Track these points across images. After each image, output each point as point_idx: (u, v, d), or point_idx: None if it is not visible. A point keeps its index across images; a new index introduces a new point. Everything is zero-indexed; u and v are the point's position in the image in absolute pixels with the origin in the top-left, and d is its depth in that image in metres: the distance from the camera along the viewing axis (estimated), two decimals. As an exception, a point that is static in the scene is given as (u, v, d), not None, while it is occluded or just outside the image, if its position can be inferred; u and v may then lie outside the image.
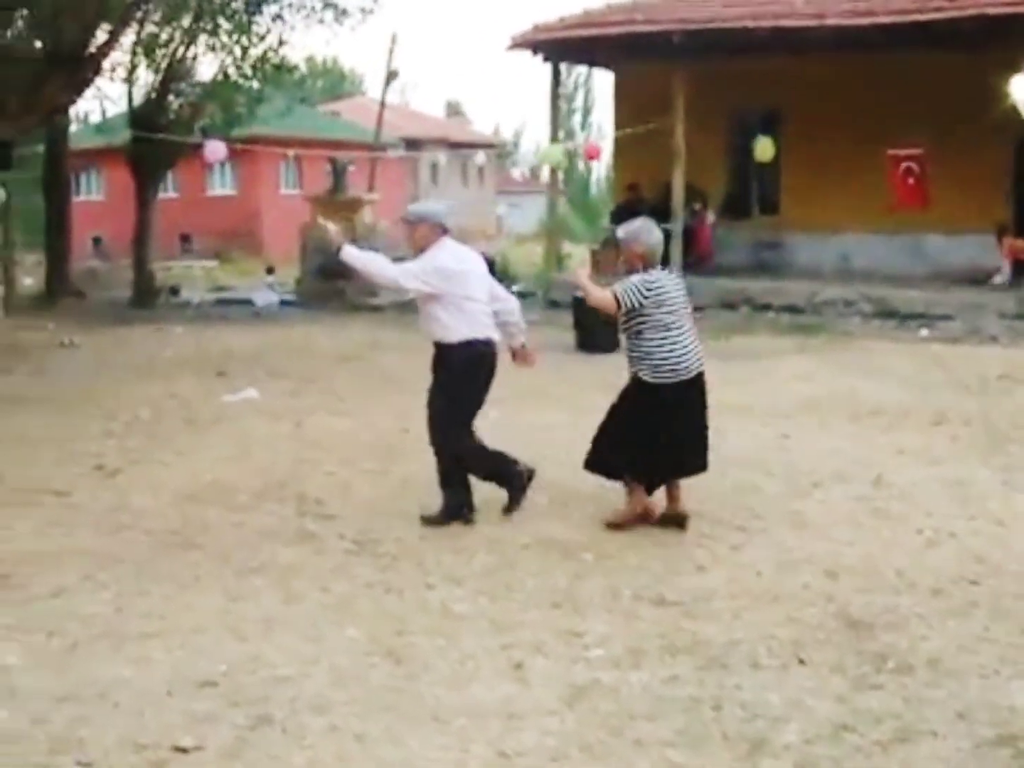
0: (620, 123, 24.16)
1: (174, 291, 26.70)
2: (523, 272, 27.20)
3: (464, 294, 7.83)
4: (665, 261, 20.51)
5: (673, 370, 7.68)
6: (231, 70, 27.45)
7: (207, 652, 5.83)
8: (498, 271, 25.36)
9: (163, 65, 26.80)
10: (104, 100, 29.10)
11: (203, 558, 7.30)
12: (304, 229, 24.96)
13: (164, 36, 26.21)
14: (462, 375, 7.94)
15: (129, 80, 27.26)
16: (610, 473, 8.08)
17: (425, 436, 8.08)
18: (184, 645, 5.93)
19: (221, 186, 46.00)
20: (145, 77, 27.19)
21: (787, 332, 17.73)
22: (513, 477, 8.23)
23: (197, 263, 37.77)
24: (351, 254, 7.77)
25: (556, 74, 23.43)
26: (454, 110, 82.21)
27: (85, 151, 35.17)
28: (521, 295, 24.66)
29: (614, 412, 7.99)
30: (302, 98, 45.35)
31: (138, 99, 27.05)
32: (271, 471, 9.45)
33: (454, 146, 59.74)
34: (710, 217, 22.74)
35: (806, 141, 21.51)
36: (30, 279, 29.91)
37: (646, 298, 7.63)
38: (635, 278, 7.72)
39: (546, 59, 23.03)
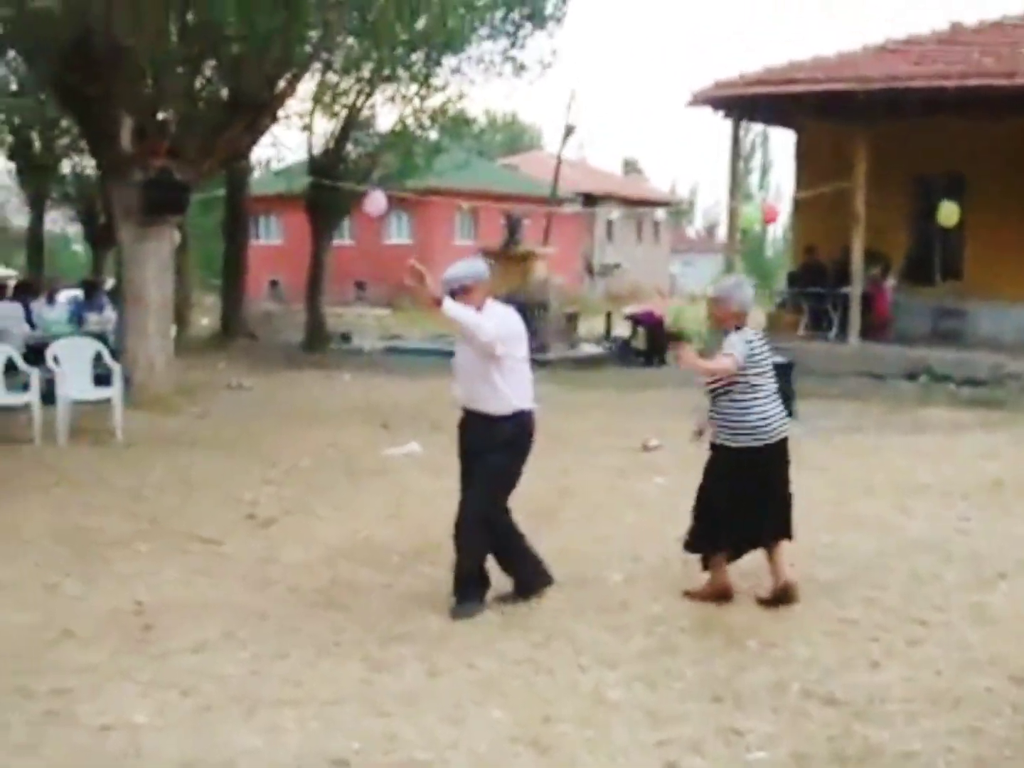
0: (801, 183, 23.63)
1: (345, 337, 26.89)
2: (695, 331, 26.66)
3: (521, 356, 7.35)
4: (843, 326, 20.29)
5: (752, 434, 7.30)
6: (409, 121, 27.63)
7: (342, 726, 5.51)
8: (668, 329, 25.05)
9: (342, 114, 27.10)
10: (282, 147, 29.50)
11: (348, 621, 7.00)
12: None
13: (344, 86, 26.49)
14: (516, 450, 7.44)
15: (308, 128, 27.65)
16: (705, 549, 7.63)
17: (587, 500, 7.69)
18: (319, 716, 5.61)
19: (397, 235, 46.50)
20: (324, 126, 27.58)
21: (968, 405, 16.88)
22: (531, 573, 7.63)
23: (370, 311, 38.06)
24: (450, 307, 6.96)
25: (736, 131, 22.99)
26: (631, 167, 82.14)
27: (265, 197, 35.78)
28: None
29: (703, 488, 7.57)
30: (479, 151, 45.63)
31: (317, 147, 27.40)
32: (428, 530, 9.14)
33: (630, 203, 59.44)
34: (890, 282, 21.99)
35: (992, 206, 20.61)
36: (206, 319, 30.44)
37: (747, 358, 7.24)
38: (735, 337, 7.26)
39: (726, 116, 22.63)
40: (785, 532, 7.55)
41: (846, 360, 19.64)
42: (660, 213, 60.41)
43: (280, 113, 17.46)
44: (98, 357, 13.71)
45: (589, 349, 25.38)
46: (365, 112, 27.56)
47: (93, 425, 13.39)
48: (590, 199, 55.44)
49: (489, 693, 5.97)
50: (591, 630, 6.95)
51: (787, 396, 15.77)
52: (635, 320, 25.40)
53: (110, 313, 17.31)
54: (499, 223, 46.62)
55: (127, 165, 14.40)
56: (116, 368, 13.41)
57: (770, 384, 7.43)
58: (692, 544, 7.64)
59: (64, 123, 29.29)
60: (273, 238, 48.21)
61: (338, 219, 28.50)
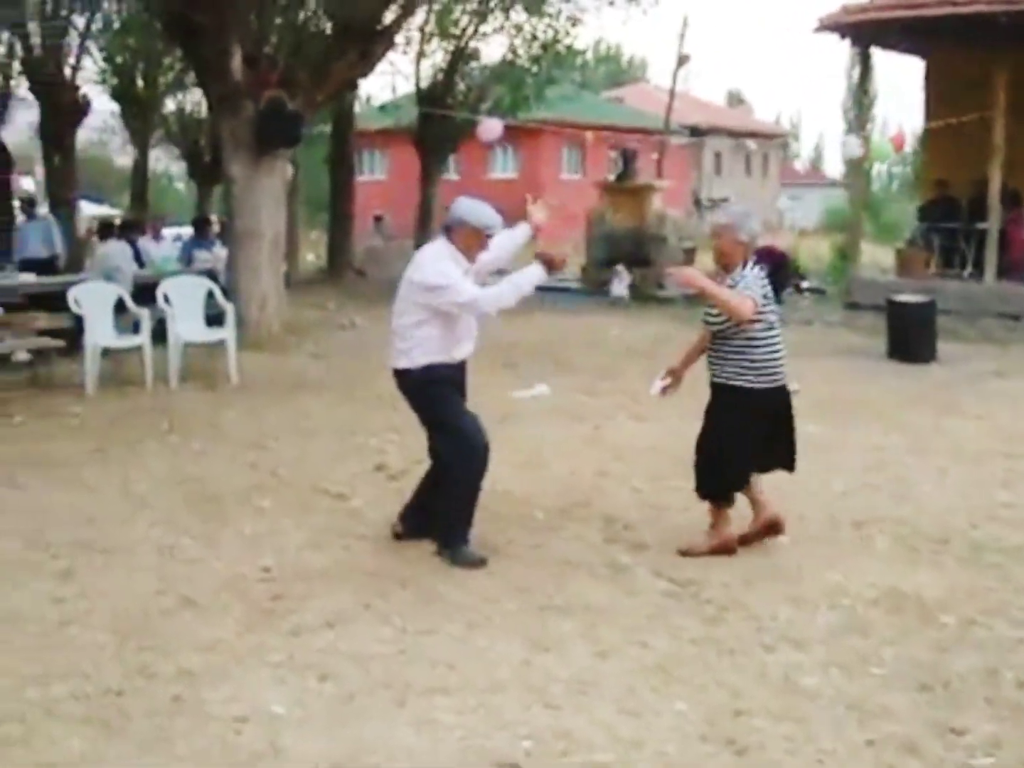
0: (930, 113, 22.37)
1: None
2: (811, 268, 25.61)
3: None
4: (977, 263, 19.15)
5: (774, 375, 6.82)
6: (520, 52, 26.82)
7: (507, 720, 4.79)
8: (790, 268, 24.02)
9: (451, 46, 26.37)
10: (398, 75, 28.84)
11: (498, 589, 6.27)
12: (591, 214, 23.96)
13: (454, 15, 25.72)
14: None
15: (417, 60, 26.97)
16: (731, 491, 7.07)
17: None
18: (479, 707, 4.89)
19: (503, 169, 45.69)
20: (432, 58, 26.88)
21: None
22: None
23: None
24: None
25: (865, 59, 21.80)
26: (735, 99, 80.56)
27: (369, 131, 35.12)
28: (811, 291, 23.47)
29: (722, 433, 6.91)
30: (582, 84, 44.69)
31: (425, 80, 26.72)
32: (571, 484, 8.42)
33: (736, 135, 58.10)
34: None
35: None
36: (312, 255, 29.92)
37: (764, 297, 6.71)
38: (751, 275, 6.70)
39: (853, 43, 21.52)
40: (791, 464, 7.20)
41: (982, 299, 18.48)
42: (766, 146, 59.10)
43: (397, 41, 16.64)
44: (210, 296, 13.12)
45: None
46: (474, 44, 26.85)
47: (205, 367, 12.83)
48: (696, 131, 54.23)
49: (667, 679, 5.22)
50: (768, 603, 6.16)
51: (930, 336, 14.93)
52: (756, 255, 24.36)
53: (220, 250, 16.72)
54: (606, 157, 46.02)
55: (237, 97, 13.72)
56: (229, 308, 12.78)
57: (777, 322, 6.89)
58: (720, 489, 7.03)
59: (167, 61, 28.89)
60: (377, 173, 47.61)
61: (447, 152, 27.82)
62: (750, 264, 6.79)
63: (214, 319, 12.99)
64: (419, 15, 23.07)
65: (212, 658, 5.34)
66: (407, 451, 9.31)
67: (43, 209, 21.83)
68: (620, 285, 22.01)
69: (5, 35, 24.51)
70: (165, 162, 48.14)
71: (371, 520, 7.51)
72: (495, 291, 6.70)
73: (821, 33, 21.48)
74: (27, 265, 16.98)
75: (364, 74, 14.73)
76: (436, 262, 6.70)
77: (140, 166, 33.20)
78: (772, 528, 7.10)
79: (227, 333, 12.56)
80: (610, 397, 11.91)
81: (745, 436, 6.82)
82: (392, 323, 6.88)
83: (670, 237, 23.49)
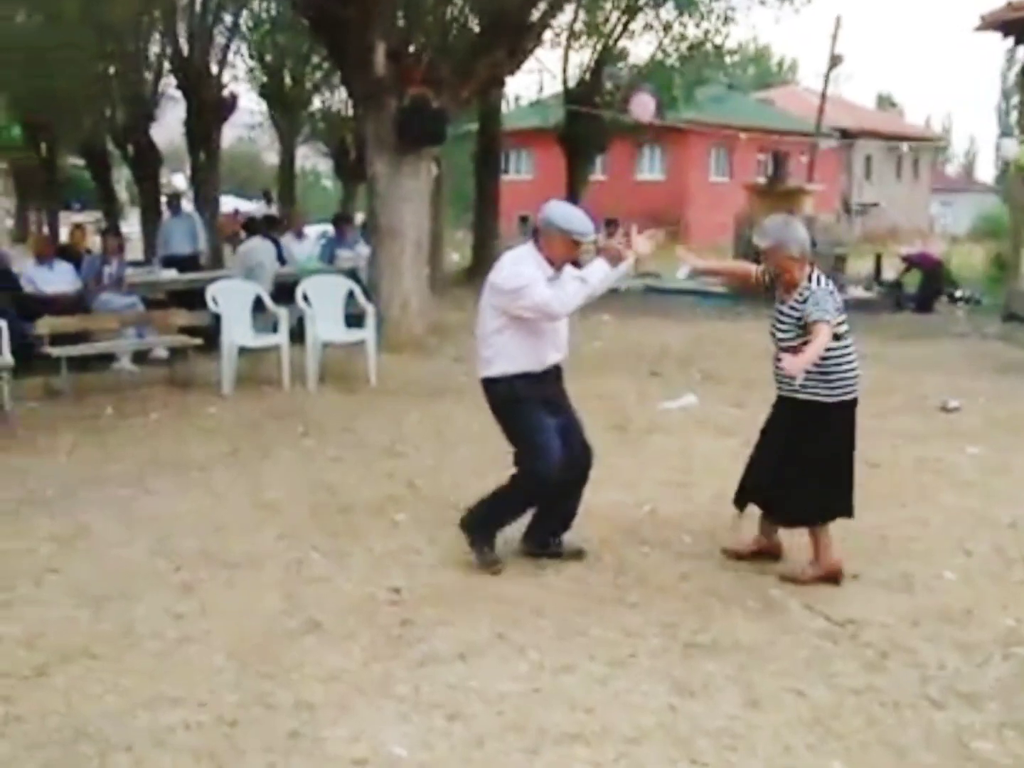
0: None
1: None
2: (964, 277, 24.64)
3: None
4: None
5: (851, 385, 6.44)
6: (669, 50, 26.35)
7: (655, 776, 4.38)
8: (944, 276, 23.16)
9: (599, 44, 25.99)
10: (545, 71, 28.62)
11: (641, 623, 5.83)
12: (740, 218, 23.40)
13: (603, 12, 25.32)
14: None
15: (565, 58, 26.65)
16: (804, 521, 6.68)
17: (892, 473, 6.43)
18: (620, 759, 4.47)
19: (650, 171, 45.15)
20: (580, 57, 26.55)
21: None
22: None
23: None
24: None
25: (1031, 58, 20.93)
26: (886, 102, 78.97)
27: (515, 131, 34.90)
28: (965, 301, 22.59)
29: (800, 454, 6.48)
30: (730, 85, 43.92)
31: (572, 79, 26.40)
32: (721, 506, 7.91)
33: (887, 139, 56.72)
34: None
35: None
36: (456, 255, 29.72)
37: (837, 309, 6.31)
38: (818, 291, 6.26)
39: (1018, 41, 20.65)
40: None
41: None
42: (918, 150, 57.73)
43: (545, 36, 16.23)
44: (350, 296, 12.86)
45: (857, 292, 23.64)
46: (622, 42, 26.43)
47: (344, 369, 12.58)
48: (847, 135, 53.04)
49: (825, 735, 4.74)
50: (934, 648, 5.63)
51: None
52: (909, 262, 23.58)
53: (362, 249, 16.49)
54: (755, 160, 45.22)
55: (382, 93, 13.44)
56: (370, 308, 12.50)
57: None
58: (822, 514, 6.61)
59: (315, 59, 29.00)
60: (523, 173, 47.36)
61: (594, 152, 27.46)
62: (815, 276, 6.36)
63: (354, 319, 12.74)
64: (567, 12, 22.75)
65: (334, 689, 5.00)
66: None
67: (188, 205, 21.90)
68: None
69: (157, 33, 24.81)
70: (313, 160, 48.53)
71: (508, 538, 7.10)
72: (565, 292, 6.31)
73: (983, 32, 20.75)
74: (170, 261, 16.99)
75: (511, 71, 14.36)
76: (516, 264, 6.37)
77: (286, 164, 33.41)
78: (771, 555, 6.84)
79: (367, 334, 12.27)
80: (758, 409, 11.31)
81: (836, 449, 6.51)
82: (476, 330, 6.58)
83: (820, 242, 22.82)
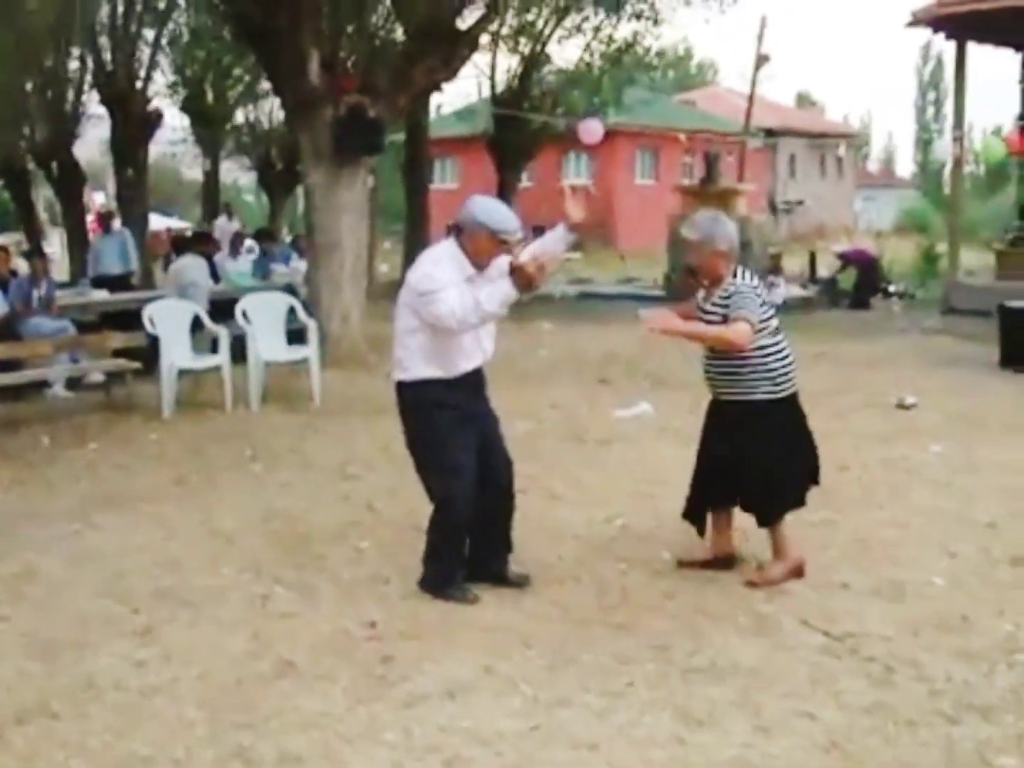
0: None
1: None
2: (895, 272, 24.70)
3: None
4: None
5: (790, 378, 6.34)
6: (596, 56, 26.23)
7: (667, 820, 4.07)
8: (880, 272, 23.16)
9: (527, 50, 25.80)
10: (467, 80, 28.27)
11: (634, 647, 5.51)
12: (673, 220, 23.25)
13: (530, 17, 25.11)
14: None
15: (492, 65, 26.45)
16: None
17: (863, 474, 6.24)
18: (633, 802, 4.19)
19: (576, 175, 44.94)
20: (507, 63, 26.37)
21: None
22: None
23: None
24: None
25: (961, 55, 20.91)
26: (806, 100, 79.57)
27: (440, 139, 34.60)
28: (899, 296, 22.58)
29: (755, 455, 6.31)
30: (651, 87, 43.98)
31: (498, 86, 26.22)
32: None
33: (811, 137, 57.10)
34: None
35: None
36: (385, 266, 29.36)
37: (762, 305, 6.20)
38: (743, 287, 6.14)
39: (949, 37, 20.70)
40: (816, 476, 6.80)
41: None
42: (842, 148, 58.14)
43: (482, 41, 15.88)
44: (291, 312, 12.48)
45: (794, 291, 23.55)
46: (550, 46, 26.24)
47: (286, 387, 12.22)
48: (771, 134, 53.26)
49: (845, 759, 4.46)
50: (938, 660, 5.36)
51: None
52: (845, 259, 23.59)
53: (297, 263, 16.09)
54: (680, 162, 45.19)
55: (316, 103, 13.06)
56: (312, 324, 12.14)
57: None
58: (781, 510, 6.51)
59: (237, 71, 28.57)
60: (448, 182, 47.00)
61: (523, 159, 27.17)
62: (739, 273, 6.19)
63: (295, 336, 12.36)
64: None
65: (318, 738, 4.64)
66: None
67: (117, 223, 21.35)
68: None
69: (76, 50, 24.28)
70: (235, 174, 47.93)
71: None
72: (464, 308, 5.81)
73: (914, 28, 20.80)
74: (100, 281, 16.46)
75: (448, 78, 14.02)
76: (433, 265, 5.96)
77: (210, 178, 32.91)
78: (724, 563, 6.65)
79: (310, 351, 11.91)
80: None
81: (788, 446, 6.40)
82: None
83: (755, 243, 22.75)
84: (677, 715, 4.81)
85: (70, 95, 25.56)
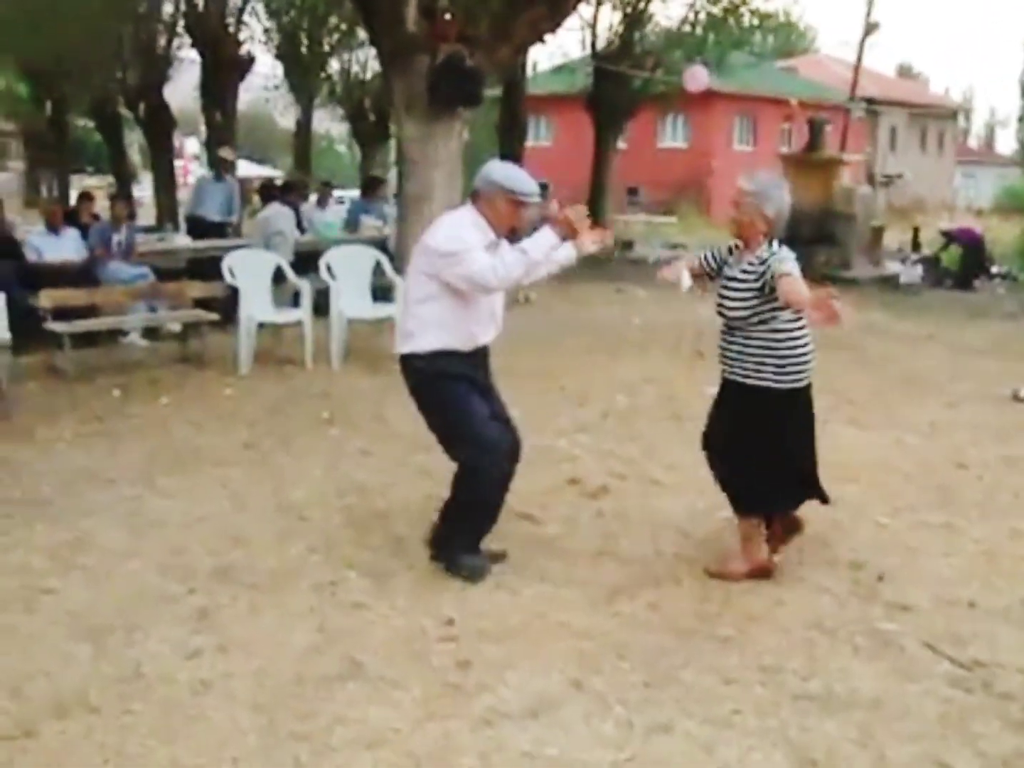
0: None
1: (628, 245, 24.77)
2: (997, 253, 23.65)
3: None
4: None
5: (803, 369, 5.73)
6: (701, 15, 25.44)
7: None
8: (985, 252, 22.22)
9: (628, 7, 25.06)
10: (568, 35, 27.60)
11: (741, 666, 4.91)
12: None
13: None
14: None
15: (594, 20, 25.74)
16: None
17: (984, 474, 5.71)
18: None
19: (672, 139, 44.12)
20: (606, 19, 25.71)
21: None
22: None
23: (649, 217, 35.74)
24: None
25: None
26: (907, 71, 78.03)
27: (534, 96, 33.94)
28: (1001, 277, 21.63)
29: (750, 440, 5.79)
30: (753, 52, 43.10)
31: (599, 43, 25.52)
32: (798, 513, 7.03)
33: (912, 108, 55.76)
34: None
35: None
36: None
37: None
38: (783, 251, 5.56)
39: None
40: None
41: None
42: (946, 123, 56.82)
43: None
44: (377, 267, 11.94)
45: (894, 267, 22.70)
46: (653, 4, 25.48)
47: (369, 346, 11.66)
48: (872, 104, 52.04)
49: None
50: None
51: None
52: (949, 236, 22.65)
53: (391, 212, 15.46)
54: (778, 129, 44.16)
55: (413, 50, 12.43)
56: (399, 281, 11.59)
57: None
58: (753, 505, 5.96)
59: (333, 20, 28.13)
60: (542, 140, 46.29)
61: (622, 119, 26.44)
62: (775, 243, 5.64)
63: (380, 293, 11.83)
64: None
65: (384, 758, 4.10)
66: (602, 460, 8.09)
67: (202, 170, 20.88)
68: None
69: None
70: (326, 124, 47.70)
71: (572, 553, 6.22)
72: (503, 263, 5.49)
73: None
74: (196, 224, 15.90)
75: (551, 30, 13.30)
76: (455, 227, 5.65)
77: (302, 127, 32.57)
78: (793, 527, 6.14)
79: (395, 309, 11.37)
80: (818, 396, 10.43)
81: (781, 444, 5.82)
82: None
83: (859, 215, 21.96)
84: (792, 753, 4.23)
85: (162, 39, 25.32)
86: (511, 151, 25.73)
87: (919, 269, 21.96)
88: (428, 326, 5.63)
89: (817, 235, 20.97)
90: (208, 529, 6.48)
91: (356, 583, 5.72)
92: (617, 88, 24.58)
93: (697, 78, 21.60)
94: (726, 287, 5.75)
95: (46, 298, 10.65)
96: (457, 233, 5.57)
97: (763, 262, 5.56)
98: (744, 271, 5.67)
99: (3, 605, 5.40)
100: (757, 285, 5.56)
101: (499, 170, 5.74)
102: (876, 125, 53.92)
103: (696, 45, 25.80)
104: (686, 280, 5.96)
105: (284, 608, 5.40)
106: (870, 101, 50.99)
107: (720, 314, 5.82)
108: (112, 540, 6.29)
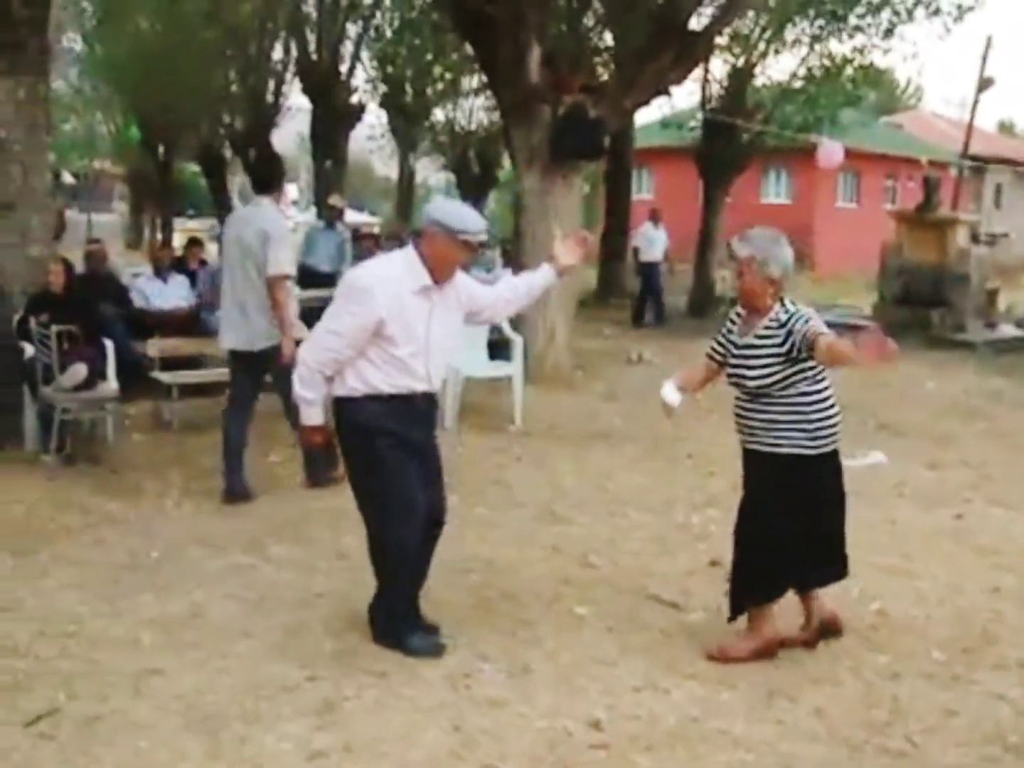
0: None
1: (733, 302, 24.19)
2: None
3: None
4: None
5: (833, 433, 5.40)
6: (815, 69, 24.91)
7: None
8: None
9: (741, 60, 24.60)
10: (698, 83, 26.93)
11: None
12: (888, 248, 21.91)
13: (748, 23, 23.89)
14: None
15: (705, 73, 25.28)
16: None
17: None
18: None
19: (776, 195, 43.48)
20: (717, 73, 25.21)
21: None
22: None
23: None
24: None
25: None
26: (1008, 128, 76.94)
27: (638, 149, 33.60)
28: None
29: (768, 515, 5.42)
30: (857, 108, 42.52)
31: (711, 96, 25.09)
32: (960, 606, 6.43)
33: (1016, 166, 54.64)
34: None
35: None
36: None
37: None
38: (801, 308, 5.33)
39: None
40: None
41: None
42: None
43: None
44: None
45: (1008, 330, 21.92)
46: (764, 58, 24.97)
47: (484, 405, 11.25)
48: (977, 162, 51.15)
49: None
50: None
51: None
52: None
53: (500, 271, 15.07)
54: (882, 185, 43.39)
55: (534, 101, 12.08)
56: (517, 339, 11.15)
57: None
58: (755, 594, 5.56)
59: (437, 70, 28.04)
60: (643, 192, 45.89)
61: (731, 174, 25.90)
62: (787, 301, 5.37)
63: (495, 350, 11.41)
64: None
65: None
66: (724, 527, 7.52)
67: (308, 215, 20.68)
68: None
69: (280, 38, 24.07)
70: (424, 173, 47.75)
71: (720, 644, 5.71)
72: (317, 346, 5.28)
73: None
74: (305, 273, 15.56)
75: (677, 81, 12.90)
76: (376, 266, 5.44)
77: (405, 176, 32.50)
78: (829, 628, 5.67)
79: (514, 368, 10.93)
80: (956, 471, 9.90)
81: (806, 515, 5.43)
82: None
83: (973, 276, 21.30)
84: None
85: (271, 85, 25.39)
86: (618, 203, 25.42)
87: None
88: (354, 366, 5.21)
89: (932, 297, 20.38)
90: (327, 606, 6.02)
91: (490, 675, 5.21)
92: (728, 142, 24.10)
93: (831, 156, 21.01)
94: (743, 356, 5.41)
95: (154, 347, 10.37)
96: (360, 273, 5.31)
97: (782, 324, 5.27)
98: (760, 336, 5.33)
99: (108, 689, 4.95)
100: (783, 349, 5.22)
101: (440, 207, 5.38)
102: (982, 183, 52.94)
103: (808, 101, 25.26)
104: (674, 399, 5.68)
105: (414, 703, 4.89)
106: (975, 159, 50.14)
107: (737, 384, 5.46)
108: (224, 616, 5.85)
